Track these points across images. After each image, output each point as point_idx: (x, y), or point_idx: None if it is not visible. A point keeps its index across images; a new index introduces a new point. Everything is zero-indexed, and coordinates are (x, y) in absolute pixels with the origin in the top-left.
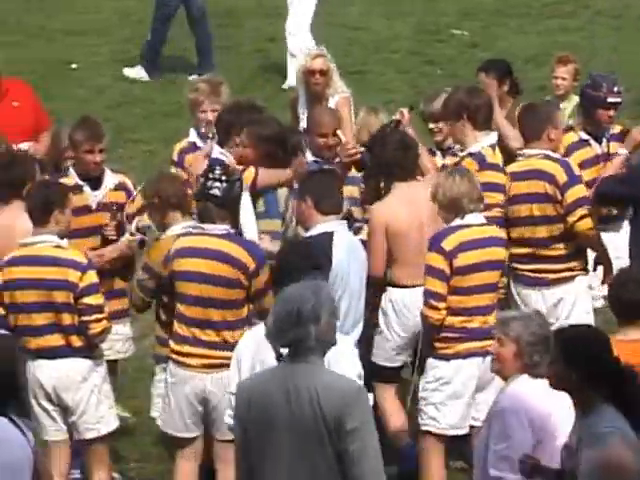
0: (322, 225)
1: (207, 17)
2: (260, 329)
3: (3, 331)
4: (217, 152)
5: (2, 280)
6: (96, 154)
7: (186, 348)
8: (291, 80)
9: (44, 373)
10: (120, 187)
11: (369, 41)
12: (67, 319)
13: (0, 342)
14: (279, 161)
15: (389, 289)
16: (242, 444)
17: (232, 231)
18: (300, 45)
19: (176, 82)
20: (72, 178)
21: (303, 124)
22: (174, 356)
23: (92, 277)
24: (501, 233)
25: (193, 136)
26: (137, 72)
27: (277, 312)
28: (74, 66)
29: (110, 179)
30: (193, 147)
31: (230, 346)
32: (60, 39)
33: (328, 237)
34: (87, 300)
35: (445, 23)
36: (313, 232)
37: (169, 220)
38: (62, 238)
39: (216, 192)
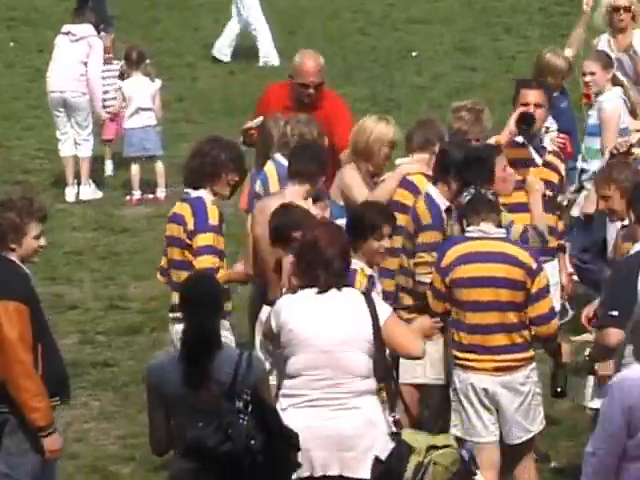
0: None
1: None
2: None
3: None
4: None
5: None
6: None
7: (473, 356)
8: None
9: None
10: None
11: None
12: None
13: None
14: None
15: None
16: None
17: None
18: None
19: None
20: None
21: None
22: (460, 362)
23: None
24: None
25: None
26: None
27: None
28: (414, 54)
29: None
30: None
31: (520, 347)
32: (403, 27)
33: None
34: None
35: None
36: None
37: None
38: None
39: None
